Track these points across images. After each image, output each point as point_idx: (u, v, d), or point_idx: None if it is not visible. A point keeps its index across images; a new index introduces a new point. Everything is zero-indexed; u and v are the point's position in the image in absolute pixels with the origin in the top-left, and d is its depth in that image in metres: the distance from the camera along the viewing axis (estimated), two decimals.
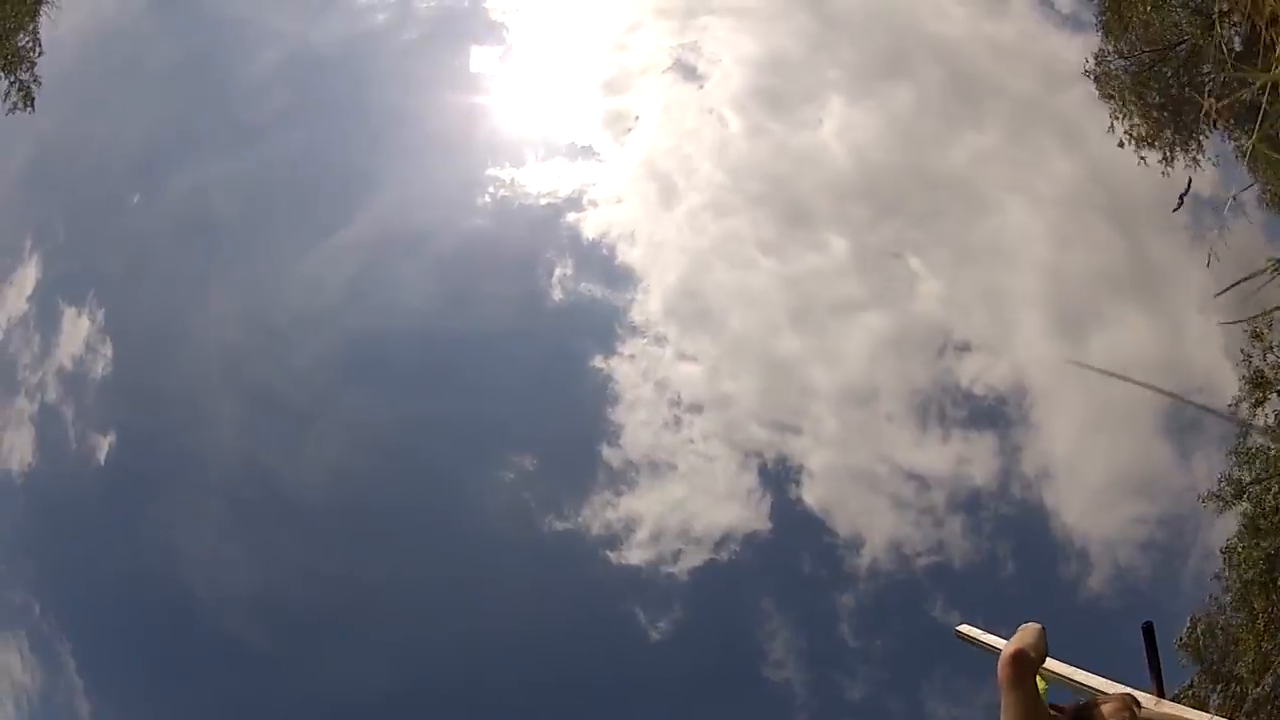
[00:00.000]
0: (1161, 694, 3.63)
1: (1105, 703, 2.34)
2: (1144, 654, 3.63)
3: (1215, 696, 16.71)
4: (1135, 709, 2.35)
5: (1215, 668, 17.49)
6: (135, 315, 34.00)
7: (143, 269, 32.79)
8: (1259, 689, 16.29)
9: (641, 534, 37.81)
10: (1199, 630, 17.80)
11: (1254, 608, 17.14)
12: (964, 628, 4.48)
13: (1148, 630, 3.51)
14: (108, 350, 32.36)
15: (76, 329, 31.74)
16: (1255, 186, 19.50)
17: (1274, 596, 17.02)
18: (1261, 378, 18.54)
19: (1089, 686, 3.60)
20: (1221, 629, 17.64)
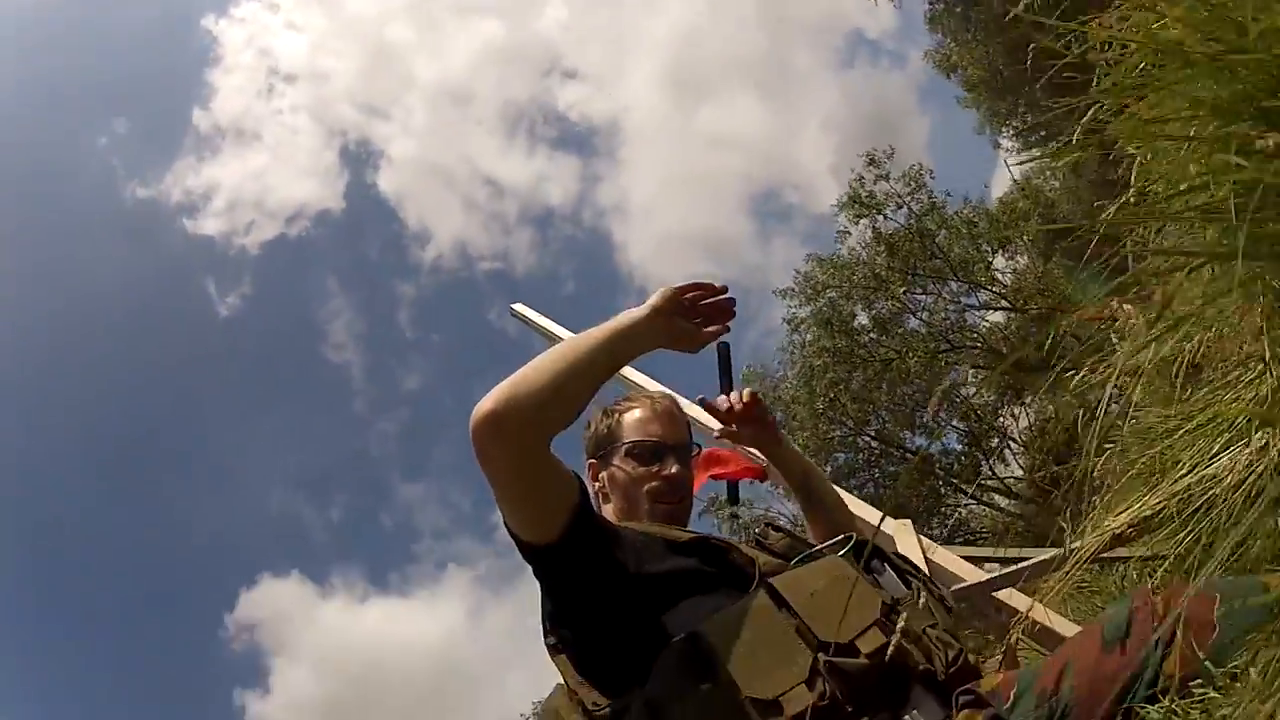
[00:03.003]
0: None
1: (630, 409, 1.98)
2: (716, 378, 3.30)
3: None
4: (674, 412, 2.00)
5: None
6: None
7: None
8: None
9: (219, 203, 38.71)
10: (751, 380, 19.03)
11: (814, 389, 18.27)
12: (518, 307, 4.44)
13: (724, 351, 3.07)
14: None
15: None
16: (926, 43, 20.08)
17: (834, 392, 18.16)
18: (870, 199, 19.46)
19: (630, 381, 3.44)
20: (780, 399, 18.86)
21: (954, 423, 20.69)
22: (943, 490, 19.29)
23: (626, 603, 1.58)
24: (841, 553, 1.61)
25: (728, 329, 1.73)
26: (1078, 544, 2.40)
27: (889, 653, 1.38)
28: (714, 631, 1.44)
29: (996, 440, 20.86)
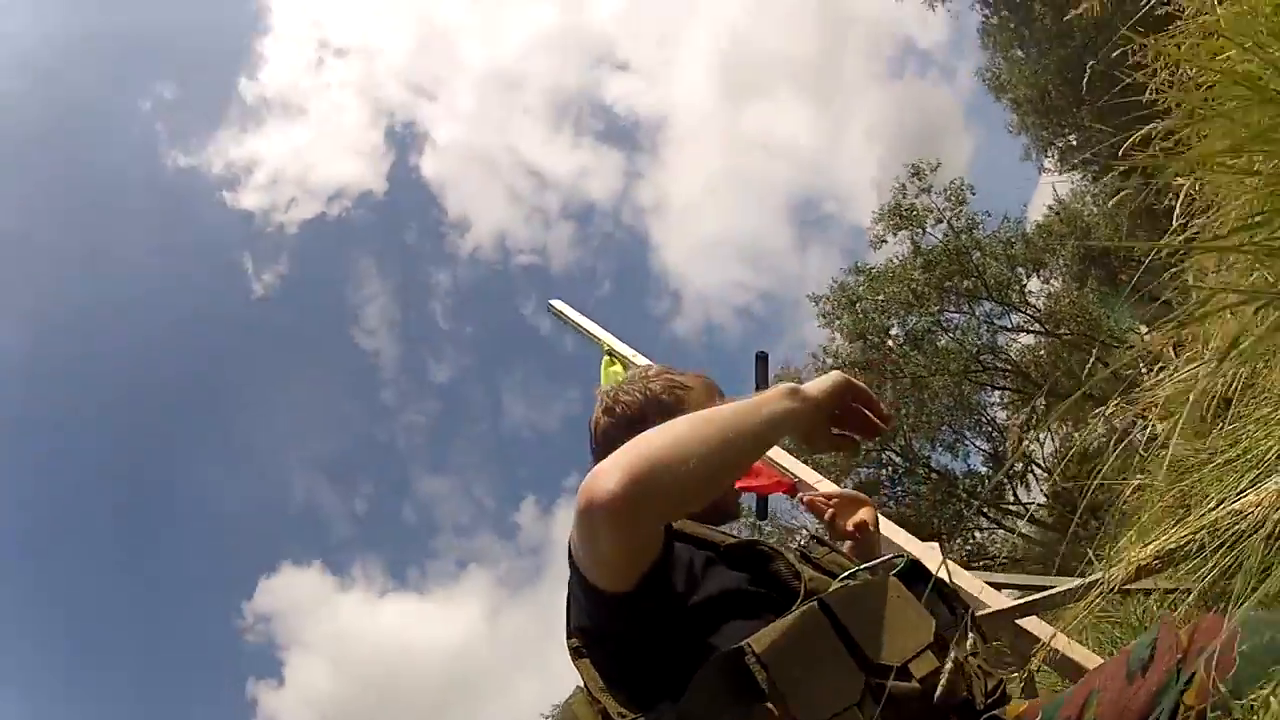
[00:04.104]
0: None
1: (689, 387, 1.85)
2: (754, 385, 3.18)
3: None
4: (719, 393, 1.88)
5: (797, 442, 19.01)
6: None
7: None
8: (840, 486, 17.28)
9: (260, 176, 38.76)
10: (783, 379, 19.22)
11: None
12: (557, 303, 4.34)
13: (762, 359, 3.03)
14: None
15: None
16: (977, 60, 20.11)
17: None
18: (910, 211, 19.35)
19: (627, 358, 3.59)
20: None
21: (978, 443, 20.66)
22: (965, 512, 19.24)
23: (672, 630, 1.46)
24: (895, 572, 1.55)
25: (859, 445, 1.59)
26: (1101, 575, 2.43)
27: (942, 681, 1.32)
28: (761, 646, 1.34)
29: (1021, 465, 20.81)
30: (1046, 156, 20.73)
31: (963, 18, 20.76)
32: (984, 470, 20.61)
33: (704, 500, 1.40)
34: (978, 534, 19.25)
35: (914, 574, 1.53)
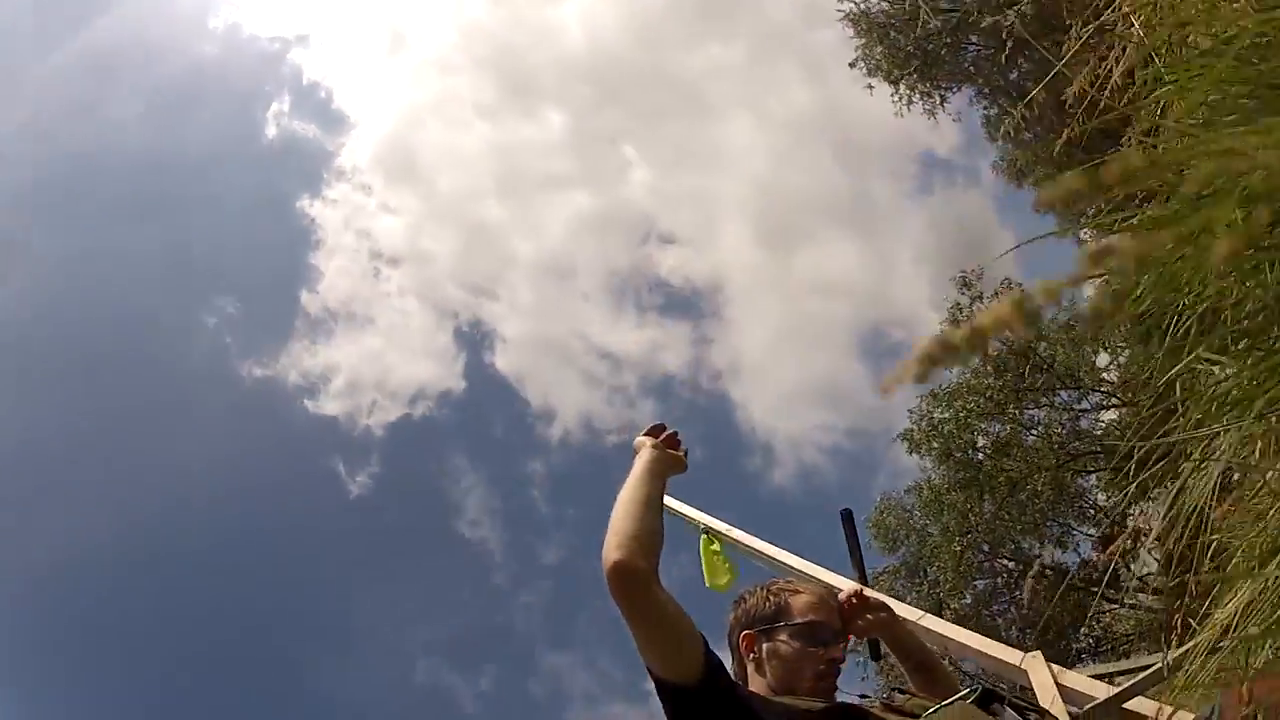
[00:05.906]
0: (864, 582, 3.56)
1: (798, 593, 2.12)
2: (844, 541, 3.52)
3: (911, 595, 16.69)
4: (832, 603, 2.18)
5: (911, 564, 18.09)
6: None
7: None
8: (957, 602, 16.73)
9: (338, 384, 37.02)
10: (887, 513, 18.60)
11: (949, 532, 17.78)
12: None
13: (847, 516, 3.29)
14: None
15: None
16: (992, 154, 19.99)
17: (965, 524, 17.59)
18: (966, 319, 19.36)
19: (784, 565, 3.59)
20: (916, 531, 18.43)
21: (1085, 530, 20.28)
22: (1085, 601, 18.79)
23: None
24: (970, 700, 1.82)
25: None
26: (1190, 643, 2.51)
27: None
28: None
29: (1130, 541, 20.31)
30: (1081, 227, 20.55)
31: (965, 116, 20.89)
32: (1094, 555, 20.18)
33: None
34: (1104, 616, 18.78)
35: (987, 698, 1.82)
